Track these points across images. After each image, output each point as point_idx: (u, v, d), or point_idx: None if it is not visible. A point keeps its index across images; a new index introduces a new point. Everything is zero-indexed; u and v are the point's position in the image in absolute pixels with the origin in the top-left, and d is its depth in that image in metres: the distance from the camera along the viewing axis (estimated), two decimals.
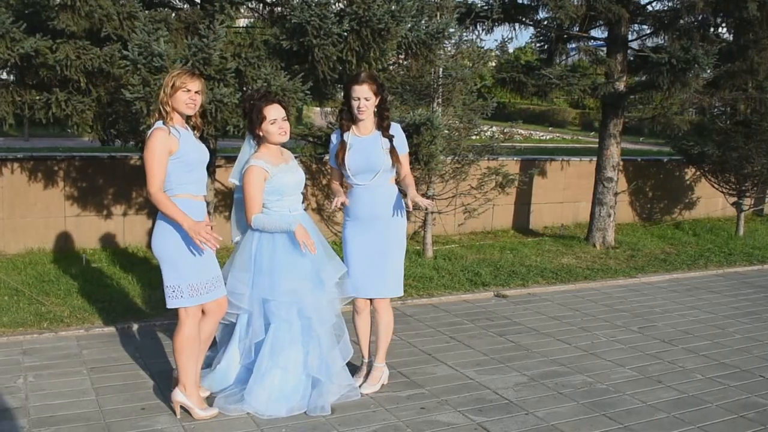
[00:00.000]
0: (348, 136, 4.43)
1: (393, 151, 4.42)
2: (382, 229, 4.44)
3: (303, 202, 4.39)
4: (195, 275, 3.95)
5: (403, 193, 4.44)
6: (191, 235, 3.80)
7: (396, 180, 4.59)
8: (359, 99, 4.31)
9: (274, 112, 4.14)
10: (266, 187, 4.15)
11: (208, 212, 4.69)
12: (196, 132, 4.11)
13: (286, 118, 4.19)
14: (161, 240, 3.94)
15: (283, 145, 4.35)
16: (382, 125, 4.42)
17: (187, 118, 4.01)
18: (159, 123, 3.90)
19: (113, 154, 8.23)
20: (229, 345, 4.41)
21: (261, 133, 4.18)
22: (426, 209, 4.02)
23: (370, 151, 4.40)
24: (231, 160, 8.41)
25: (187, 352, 4.03)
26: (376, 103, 4.39)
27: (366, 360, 4.76)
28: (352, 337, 4.61)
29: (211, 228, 3.91)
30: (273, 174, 4.14)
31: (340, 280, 4.36)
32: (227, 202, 8.47)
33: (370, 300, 4.56)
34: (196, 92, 3.92)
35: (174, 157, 3.87)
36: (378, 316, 4.56)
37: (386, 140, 4.42)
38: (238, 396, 4.25)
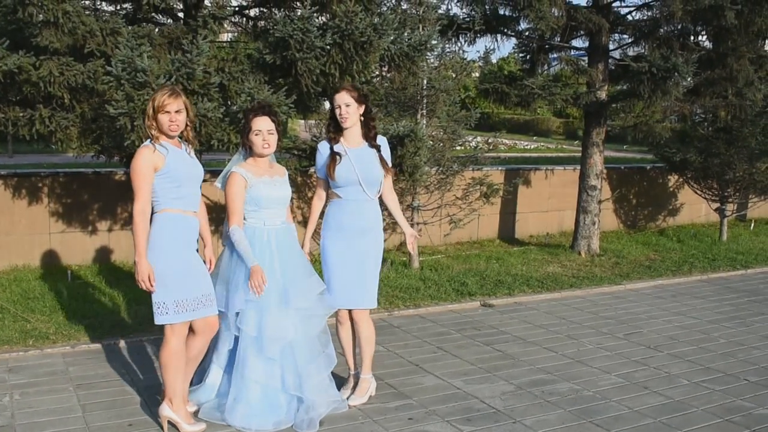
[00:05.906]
0: (339, 148, 4.46)
1: (383, 161, 4.49)
2: (364, 242, 4.46)
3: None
4: (182, 292, 3.94)
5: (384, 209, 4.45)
6: (137, 270, 3.85)
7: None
8: (340, 106, 4.39)
9: (259, 124, 4.20)
10: (246, 196, 4.22)
11: None
12: (189, 146, 4.12)
13: (272, 131, 4.23)
14: (149, 256, 3.93)
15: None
16: (369, 135, 4.48)
17: (180, 134, 4.04)
18: (146, 142, 3.97)
19: (98, 169, 8.20)
20: (214, 356, 4.41)
21: (248, 143, 4.24)
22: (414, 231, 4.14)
23: (369, 162, 4.45)
24: (216, 174, 8.38)
25: (173, 367, 4.02)
26: (361, 112, 4.44)
27: (353, 372, 4.76)
28: (338, 349, 4.61)
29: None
30: (252, 184, 4.21)
31: (320, 294, 4.35)
32: (212, 215, 8.44)
33: (350, 311, 4.57)
34: (176, 112, 3.94)
35: (160, 173, 3.90)
36: (358, 328, 4.56)
37: (375, 150, 4.49)
38: (221, 408, 4.24)
